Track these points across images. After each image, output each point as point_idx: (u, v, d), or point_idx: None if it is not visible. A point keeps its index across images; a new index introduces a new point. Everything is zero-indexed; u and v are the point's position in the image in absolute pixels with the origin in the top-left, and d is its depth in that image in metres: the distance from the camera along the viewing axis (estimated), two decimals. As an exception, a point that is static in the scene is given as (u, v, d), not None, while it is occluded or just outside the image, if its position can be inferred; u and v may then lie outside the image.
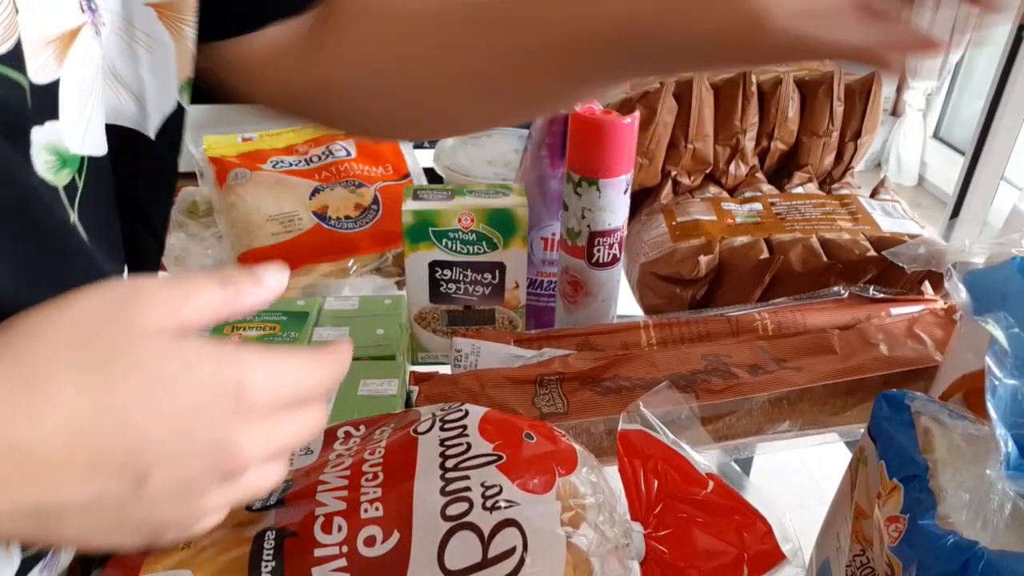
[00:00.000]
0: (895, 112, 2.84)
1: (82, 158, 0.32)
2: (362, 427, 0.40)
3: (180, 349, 0.25)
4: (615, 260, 0.57)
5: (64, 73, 0.30)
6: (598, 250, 0.56)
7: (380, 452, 0.37)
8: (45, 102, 0.29)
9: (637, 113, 0.54)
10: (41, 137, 0.29)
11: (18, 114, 0.28)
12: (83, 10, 0.30)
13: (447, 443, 0.36)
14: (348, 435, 0.40)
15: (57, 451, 0.23)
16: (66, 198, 0.31)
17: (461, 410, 0.38)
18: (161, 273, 0.33)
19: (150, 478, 0.24)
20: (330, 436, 0.40)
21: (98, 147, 0.33)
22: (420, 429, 0.38)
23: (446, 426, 0.37)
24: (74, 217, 0.31)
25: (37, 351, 0.23)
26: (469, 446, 0.36)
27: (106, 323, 0.24)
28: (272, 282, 0.29)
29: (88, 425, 0.23)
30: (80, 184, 0.32)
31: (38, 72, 0.28)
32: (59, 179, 0.30)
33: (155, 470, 0.24)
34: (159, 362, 0.24)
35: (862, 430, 0.40)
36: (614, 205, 0.54)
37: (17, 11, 0.27)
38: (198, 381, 0.25)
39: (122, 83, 0.35)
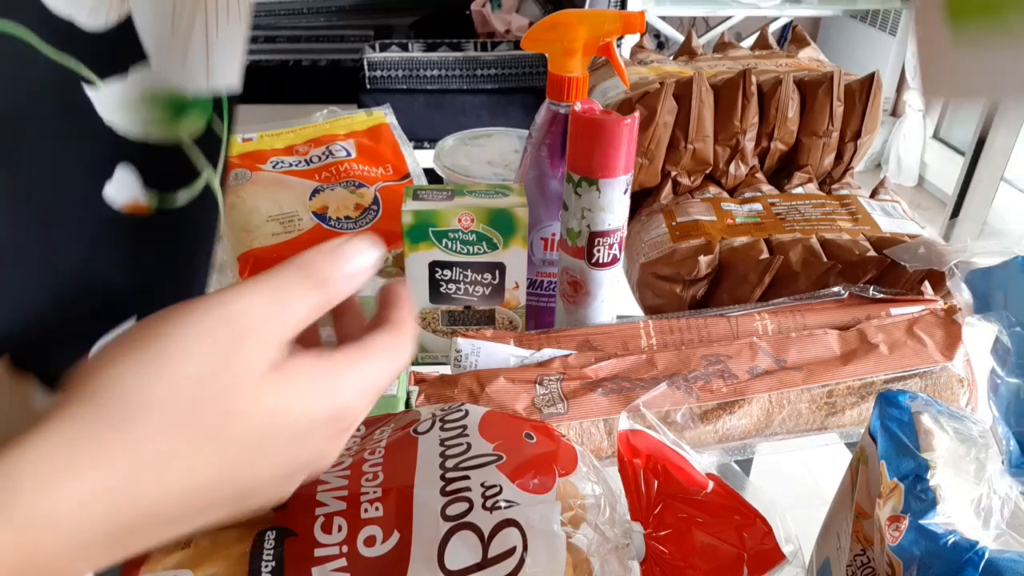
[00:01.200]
0: (895, 112, 2.85)
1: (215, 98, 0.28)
2: (362, 427, 0.40)
3: (286, 393, 0.25)
4: (615, 260, 0.57)
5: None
6: (598, 250, 0.56)
7: (380, 452, 0.37)
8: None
9: (637, 113, 0.54)
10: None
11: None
12: None
13: (447, 443, 0.36)
14: None
15: (173, 512, 0.24)
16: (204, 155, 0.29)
17: (461, 410, 0.38)
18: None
19: (250, 501, 0.27)
20: None
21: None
22: (420, 429, 0.38)
23: (446, 426, 0.37)
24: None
25: (147, 423, 0.22)
26: (469, 446, 0.35)
27: (212, 385, 0.23)
28: (366, 261, 0.28)
29: (203, 489, 0.24)
30: (224, 131, 0.29)
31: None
32: (183, 131, 0.28)
33: (256, 497, 0.27)
34: (266, 420, 0.24)
35: (862, 430, 0.40)
36: (614, 205, 0.54)
37: None
38: (304, 421, 0.25)
39: None
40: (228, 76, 0.29)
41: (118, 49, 0.26)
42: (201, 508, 0.24)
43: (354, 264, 0.27)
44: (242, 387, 0.24)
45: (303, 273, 0.26)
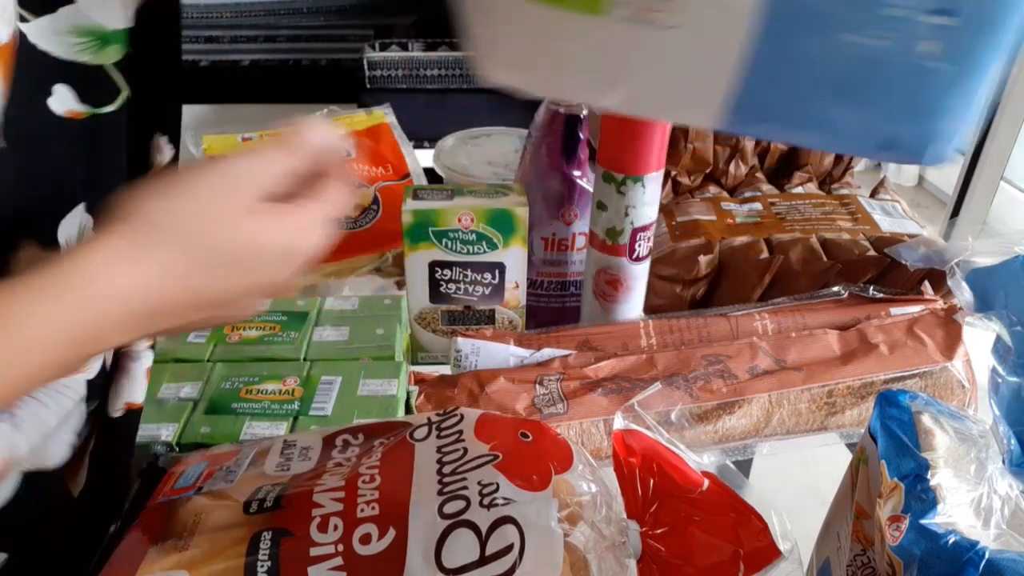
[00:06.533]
0: (895, 113, 2.84)
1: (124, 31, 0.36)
2: (360, 435, 0.40)
3: (256, 225, 0.32)
4: (650, 252, 0.59)
5: None
6: (639, 245, 0.57)
7: (377, 457, 0.37)
8: None
9: None
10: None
11: None
12: None
13: (444, 449, 0.36)
14: (347, 443, 0.40)
15: (181, 303, 0.32)
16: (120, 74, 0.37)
17: (456, 415, 0.38)
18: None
19: (227, 309, 0.34)
20: (328, 443, 0.40)
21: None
22: (417, 436, 0.38)
23: (442, 433, 0.37)
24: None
25: (166, 239, 0.31)
26: (466, 451, 0.36)
27: (209, 214, 0.32)
28: (324, 135, 0.37)
29: (198, 289, 0.32)
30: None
31: None
32: (105, 58, 0.36)
33: (230, 306, 0.34)
34: (242, 243, 0.32)
35: (862, 430, 0.40)
36: (655, 198, 0.56)
37: None
38: (266, 248, 0.33)
39: None
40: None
41: None
42: (195, 305, 0.32)
43: (315, 136, 0.36)
44: (228, 217, 0.32)
45: (278, 144, 0.35)
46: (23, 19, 0.33)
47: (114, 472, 0.44)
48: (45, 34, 0.34)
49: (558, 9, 0.30)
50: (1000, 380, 0.33)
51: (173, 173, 0.33)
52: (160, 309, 0.31)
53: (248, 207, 0.32)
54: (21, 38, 0.33)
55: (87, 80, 0.36)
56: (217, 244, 0.32)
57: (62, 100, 0.35)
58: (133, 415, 0.44)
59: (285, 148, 0.35)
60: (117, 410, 0.43)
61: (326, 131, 0.37)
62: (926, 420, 0.36)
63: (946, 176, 2.67)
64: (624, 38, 0.30)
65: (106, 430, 0.42)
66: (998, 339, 0.35)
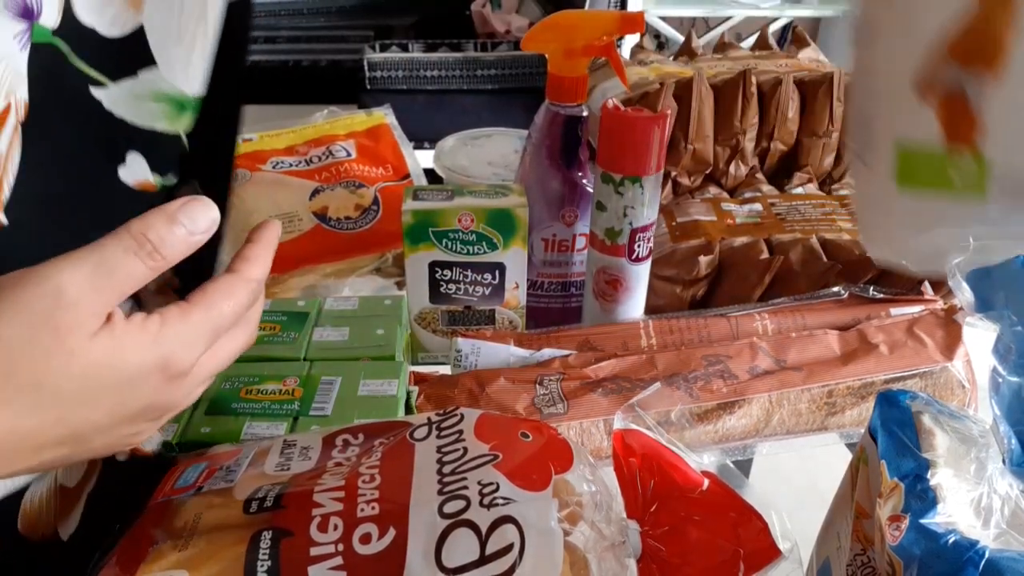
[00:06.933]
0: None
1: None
2: (360, 435, 0.40)
3: (107, 352, 0.27)
4: (650, 253, 0.59)
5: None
6: (638, 245, 0.57)
7: (377, 456, 0.37)
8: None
9: (668, 109, 0.55)
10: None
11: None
12: None
13: (444, 450, 0.36)
14: (347, 443, 0.39)
15: (7, 449, 0.27)
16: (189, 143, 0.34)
17: (456, 415, 0.38)
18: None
19: (92, 442, 0.29)
20: (328, 443, 0.40)
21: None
22: (417, 436, 0.38)
23: (442, 433, 0.37)
24: None
25: None
26: (466, 451, 0.36)
27: (33, 350, 0.26)
28: (202, 224, 0.30)
29: (32, 432, 0.27)
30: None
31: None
32: (181, 125, 0.33)
33: (95, 439, 0.29)
34: (89, 372, 0.27)
35: (862, 430, 0.40)
36: (654, 199, 0.56)
37: None
38: (127, 374, 0.28)
39: None
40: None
41: (130, 54, 0.31)
42: (33, 447, 0.27)
43: (189, 228, 0.29)
44: (60, 349, 0.26)
45: (133, 244, 0.28)
46: (97, 83, 0.31)
47: (110, 516, 0.40)
48: (123, 99, 0.31)
49: (934, 198, 0.29)
50: (1000, 380, 0.33)
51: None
52: None
53: (88, 331, 0.27)
54: (95, 105, 0.31)
55: (159, 149, 0.33)
56: (41, 381, 0.26)
57: (134, 170, 0.33)
58: (138, 460, 0.42)
59: (144, 251, 0.28)
60: (121, 454, 0.41)
61: (202, 220, 0.30)
62: (926, 420, 0.36)
63: (946, 177, 2.66)
64: (998, 212, 0.29)
65: (108, 472, 0.40)
66: (998, 339, 0.35)
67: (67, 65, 0.29)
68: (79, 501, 0.39)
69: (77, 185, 0.29)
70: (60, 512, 0.38)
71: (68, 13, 0.29)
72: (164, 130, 0.33)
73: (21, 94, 0.28)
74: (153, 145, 0.33)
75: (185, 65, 0.32)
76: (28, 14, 0.28)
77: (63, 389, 0.27)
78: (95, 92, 0.31)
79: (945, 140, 0.29)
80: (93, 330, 0.27)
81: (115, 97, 0.31)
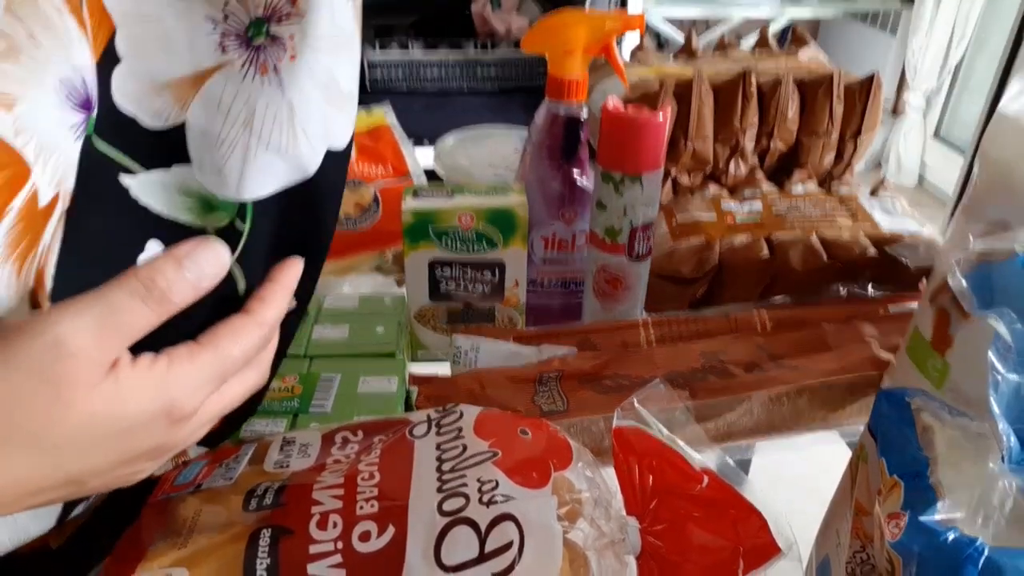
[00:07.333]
0: (895, 112, 2.84)
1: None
2: (360, 433, 0.40)
3: (109, 401, 0.27)
4: (650, 251, 0.59)
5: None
6: (638, 243, 0.57)
7: (377, 453, 0.37)
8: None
9: (668, 108, 0.55)
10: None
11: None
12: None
13: (443, 447, 0.36)
14: (346, 440, 0.39)
15: (7, 496, 0.27)
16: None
17: (456, 412, 0.38)
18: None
19: (91, 483, 0.29)
20: (328, 440, 0.40)
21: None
22: (416, 433, 0.38)
23: (442, 430, 0.37)
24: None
25: None
26: (465, 448, 0.36)
27: (32, 402, 0.25)
28: (209, 269, 0.30)
29: (31, 479, 0.27)
30: (246, 229, 0.33)
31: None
32: (208, 222, 0.33)
33: (94, 480, 0.29)
34: (91, 421, 0.27)
35: (862, 427, 0.40)
36: (655, 197, 0.56)
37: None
38: (129, 423, 0.28)
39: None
40: (257, 190, 0.34)
41: (167, 147, 0.32)
42: (32, 492, 0.27)
43: (198, 273, 0.29)
44: (59, 402, 0.26)
45: (141, 290, 0.28)
46: (128, 171, 0.31)
47: (101, 526, 0.39)
48: (151, 187, 0.32)
49: (917, 373, 0.39)
50: (1000, 378, 0.33)
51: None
52: None
53: (89, 382, 0.26)
54: (122, 191, 0.31)
55: (180, 239, 0.32)
56: (39, 433, 0.26)
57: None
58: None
59: (153, 298, 0.28)
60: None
61: (213, 266, 0.30)
62: (926, 417, 0.36)
63: (946, 176, 2.67)
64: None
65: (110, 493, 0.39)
66: (998, 337, 0.35)
67: (99, 153, 0.30)
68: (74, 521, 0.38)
69: (101, 273, 0.29)
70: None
71: (107, 102, 0.29)
72: (188, 222, 0.33)
73: (69, 184, 0.28)
74: (174, 235, 0.32)
75: (219, 169, 0.32)
76: (87, 106, 0.28)
77: (62, 440, 0.26)
78: (123, 179, 0.31)
79: (932, 341, 0.38)
80: (95, 381, 0.27)
81: (143, 184, 0.31)
